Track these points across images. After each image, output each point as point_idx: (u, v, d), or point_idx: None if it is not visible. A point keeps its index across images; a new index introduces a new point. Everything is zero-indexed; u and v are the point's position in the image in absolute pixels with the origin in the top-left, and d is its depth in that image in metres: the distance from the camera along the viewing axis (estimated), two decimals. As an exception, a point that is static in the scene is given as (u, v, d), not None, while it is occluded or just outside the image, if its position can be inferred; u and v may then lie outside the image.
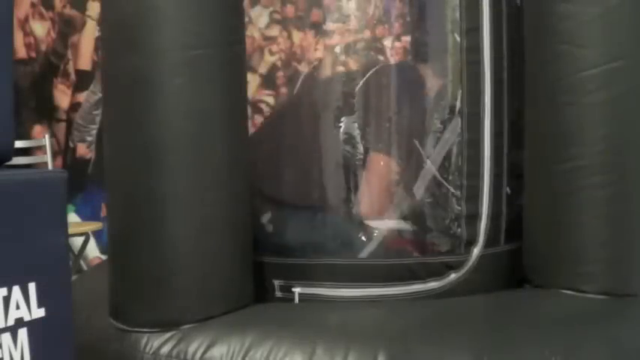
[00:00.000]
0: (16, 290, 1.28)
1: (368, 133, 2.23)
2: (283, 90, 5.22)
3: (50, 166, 3.73)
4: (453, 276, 1.95)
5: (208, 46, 1.81)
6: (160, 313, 1.83)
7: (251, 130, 2.65)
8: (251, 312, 1.89)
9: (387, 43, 3.51)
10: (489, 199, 1.98)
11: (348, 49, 3.62)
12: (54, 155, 3.88)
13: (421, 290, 1.95)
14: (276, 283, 2.00)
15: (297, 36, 5.35)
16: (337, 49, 4.32)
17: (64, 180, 1.41)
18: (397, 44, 3.37)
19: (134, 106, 1.82)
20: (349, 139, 2.30)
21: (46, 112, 3.97)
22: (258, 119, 4.57)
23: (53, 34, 4.00)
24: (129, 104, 1.83)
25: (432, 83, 2.14)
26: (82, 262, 3.82)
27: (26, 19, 3.92)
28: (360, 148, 2.14)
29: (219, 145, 1.86)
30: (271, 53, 5.33)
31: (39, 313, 1.32)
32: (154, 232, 1.83)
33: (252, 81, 4.82)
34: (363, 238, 2.05)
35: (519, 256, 2.00)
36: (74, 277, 3.20)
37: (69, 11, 4.03)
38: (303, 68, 4.53)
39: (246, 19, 3.91)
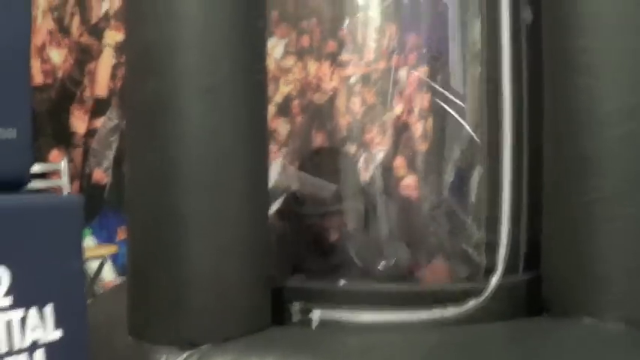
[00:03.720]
0: (33, 312, 1.28)
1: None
2: (298, 119, 5.29)
3: (67, 191, 3.75)
4: (471, 303, 1.95)
5: (231, 73, 1.83)
6: (178, 333, 1.83)
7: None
8: (269, 335, 1.88)
9: (403, 73, 3.55)
10: (508, 228, 1.98)
11: (363, 79, 3.65)
12: (71, 180, 3.90)
13: (440, 316, 1.95)
14: (295, 306, 2.01)
15: (312, 66, 5.39)
16: (352, 80, 4.38)
17: (81, 205, 1.42)
18: (413, 74, 3.40)
19: (155, 130, 1.84)
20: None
21: (63, 138, 4.00)
22: (273, 148, 4.61)
23: (70, 61, 4.04)
24: (151, 128, 1.85)
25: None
26: (96, 286, 3.83)
27: (43, 47, 3.96)
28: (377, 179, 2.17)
29: (239, 169, 1.87)
30: (286, 83, 5.37)
31: (55, 334, 1.32)
32: (173, 252, 1.84)
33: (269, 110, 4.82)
34: (383, 264, 2.06)
35: (538, 285, 2.00)
36: (90, 301, 3.20)
37: (86, 39, 4.08)
38: (319, 98, 4.59)
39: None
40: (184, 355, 1.78)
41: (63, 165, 3.82)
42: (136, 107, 1.93)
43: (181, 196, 1.83)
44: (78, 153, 4.04)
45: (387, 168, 2.61)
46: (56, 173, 3.84)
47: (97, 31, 4.14)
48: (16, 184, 1.35)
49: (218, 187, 1.84)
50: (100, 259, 3.76)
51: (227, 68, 1.84)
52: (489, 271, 1.98)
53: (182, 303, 1.84)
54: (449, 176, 2.25)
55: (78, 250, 1.38)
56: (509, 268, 1.99)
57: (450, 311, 1.94)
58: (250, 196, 1.90)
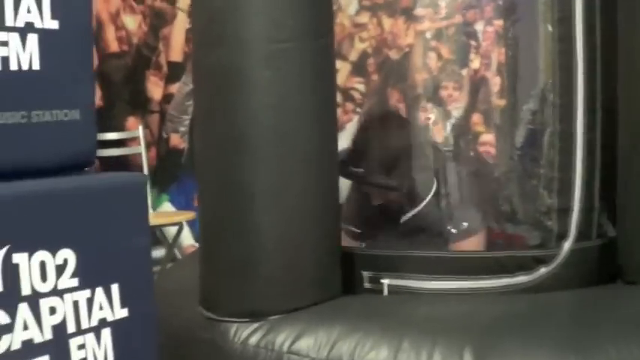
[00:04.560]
0: (99, 292, 1.31)
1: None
2: (374, 77, 5.22)
3: (144, 157, 3.80)
4: (542, 270, 1.91)
5: (296, 39, 1.82)
6: (248, 303, 1.85)
7: (342, 118, 2.67)
8: (339, 304, 1.89)
9: (479, 27, 3.46)
10: (581, 192, 1.93)
11: (439, 34, 3.58)
12: (148, 146, 3.95)
13: (510, 284, 1.92)
14: (365, 274, 2.01)
15: (387, 22, 5.30)
16: (428, 35, 4.28)
17: (145, 184, 1.45)
18: (489, 29, 3.32)
19: (223, 99, 1.85)
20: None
21: (140, 104, 4.06)
22: (349, 106, 4.57)
23: (144, 27, 4.07)
24: (218, 97, 1.87)
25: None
26: (176, 251, 3.90)
27: (117, 14, 4.01)
28: (450, 139, 2.14)
29: (307, 136, 1.87)
30: (361, 40, 5.30)
31: (122, 313, 1.35)
32: (242, 222, 1.85)
33: (343, 68, 4.81)
34: (453, 230, 2.04)
35: (611, 251, 1.95)
36: (169, 266, 3.28)
37: (159, 4, 4.11)
38: (394, 55, 4.51)
39: (335, 7, 3.89)
40: (254, 326, 1.80)
41: (140, 132, 3.87)
42: (202, 76, 1.94)
43: (249, 165, 1.84)
44: (154, 119, 4.10)
45: (463, 126, 2.57)
46: (134, 140, 3.89)
47: (169, -5, 4.18)
48: (81, 164, 1.38)
49: (286, 156, 1.85)
50: (178, 225, 3.82)
51: (291, 34, 1.83)
52: (561, 237, 1.94)
53: (251, 273, 1.85)
54: (519, 137, 2.20)
55: (143, 229, 1.40)
56: (582, 234, 1.95)
57: (520, 279, 1.91)
58: (319, 163, 1.90)
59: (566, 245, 1.92)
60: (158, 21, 4.08)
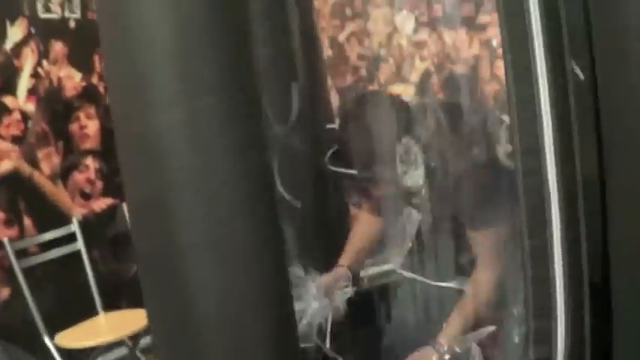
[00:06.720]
0: None
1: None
2: (440, 95, 4.97)
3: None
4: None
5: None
6: None
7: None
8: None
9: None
10: (566, 340, 1.73)
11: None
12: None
13: None
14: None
15: (448, 36, 5.02)
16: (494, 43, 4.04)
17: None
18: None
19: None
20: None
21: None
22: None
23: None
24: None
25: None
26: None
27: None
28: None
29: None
30: (422, 59, 5.05)
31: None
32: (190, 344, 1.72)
33: (405, 91, 4.61)
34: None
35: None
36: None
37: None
38: (459, 69, 4.31)
39: (391, 29, 3.74)
40: None
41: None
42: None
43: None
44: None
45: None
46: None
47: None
48: None
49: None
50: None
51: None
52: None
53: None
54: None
55: None
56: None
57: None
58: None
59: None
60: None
